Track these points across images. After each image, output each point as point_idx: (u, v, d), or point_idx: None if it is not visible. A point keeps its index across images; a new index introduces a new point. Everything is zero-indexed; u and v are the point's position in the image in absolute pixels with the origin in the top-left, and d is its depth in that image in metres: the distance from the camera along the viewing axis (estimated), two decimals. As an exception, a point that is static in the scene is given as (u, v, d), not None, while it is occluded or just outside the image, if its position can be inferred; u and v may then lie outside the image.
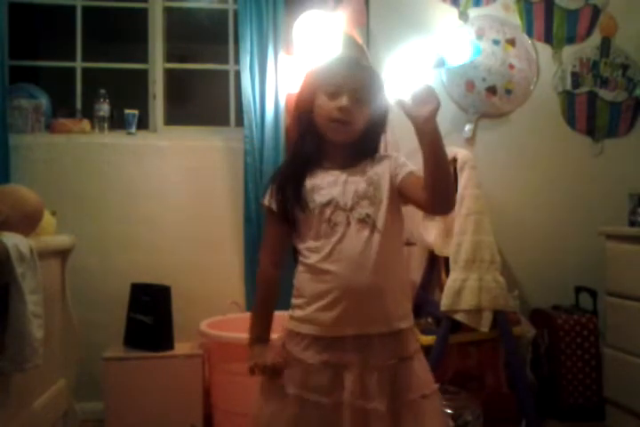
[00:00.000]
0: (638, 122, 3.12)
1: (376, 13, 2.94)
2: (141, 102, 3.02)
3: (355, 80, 1.36)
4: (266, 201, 1.42)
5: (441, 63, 2.73)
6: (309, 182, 1.37)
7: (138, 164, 2.83)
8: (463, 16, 3.00)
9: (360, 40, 2.68)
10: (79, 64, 2.99)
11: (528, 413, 2.41)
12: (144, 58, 3.02)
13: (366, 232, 1.31)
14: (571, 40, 3.07)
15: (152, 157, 2.85)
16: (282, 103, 2.74)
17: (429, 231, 2.59)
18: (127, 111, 2.91)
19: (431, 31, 2.94)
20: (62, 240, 2.30)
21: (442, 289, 2.46)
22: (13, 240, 1.70)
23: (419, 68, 2.66)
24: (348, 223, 1.32)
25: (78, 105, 2.96)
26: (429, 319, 2.61)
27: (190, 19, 3.57)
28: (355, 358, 1.29)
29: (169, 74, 3.06)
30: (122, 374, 2.42)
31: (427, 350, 2.03)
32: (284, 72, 2.74)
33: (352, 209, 1.33)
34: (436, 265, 2.70)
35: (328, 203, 1.33)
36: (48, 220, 2.20)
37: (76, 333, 2.37)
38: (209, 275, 2.83)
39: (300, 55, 2.62)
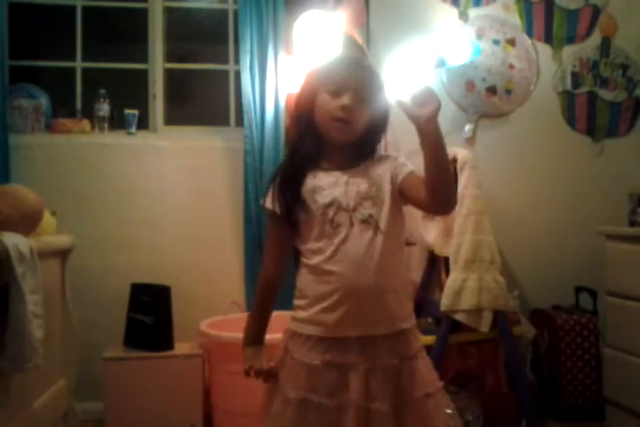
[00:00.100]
0: (638, 122, 3.12)
1: (376, 13, 2.95)
2: (141, 102, 3.02)
3: (356, 80, 1.35)
4: (267, 203, 1.40)
5: (441, 63, 2.73)
6: (310, 183, 1.36)
7: (138, 164, 2.83)
8: (463, 16, 3.00)
9: (360, 40, 2.68)
10: (79, 64, 2.99)
11: (528, 413, 2.41)
12: (144, 58, 3.02)
13: (369, 233, 1.31)
14: (571, 40, 3.07)
15: (152, 157, 2.85)
16: (282, 103, 2.74)
17: (429, 231, 2.59)
18: (127, 111, 2.91)
19: (431, 31, 2.94)
20: (62, 240, 2.30)
21: (442, 289, 2.46)
22: (13, 240, 1.70)
23: (419, 68, 2.66)
24: (351, 224, 1.31)
25: (78, 105, 2.96)
26: (429, 319, 2.61)
27: (190, 19, 3.56)
28: (359, 358, 1.29)
29: (169, 74, 3.06)
30: (122, 374, 2.42)
31: (427, 350, 2.00)
32: (283, 72, 2.74)
33: (355, 210, 1.32)
34: (436, 265, 2.69)
35: (330, 204, 1.33)
36: (48, 220, 2.20)
37: (76, 333, 2.37)
38: (209, 275, 2.83)
39: (300, 55, 2.62)
